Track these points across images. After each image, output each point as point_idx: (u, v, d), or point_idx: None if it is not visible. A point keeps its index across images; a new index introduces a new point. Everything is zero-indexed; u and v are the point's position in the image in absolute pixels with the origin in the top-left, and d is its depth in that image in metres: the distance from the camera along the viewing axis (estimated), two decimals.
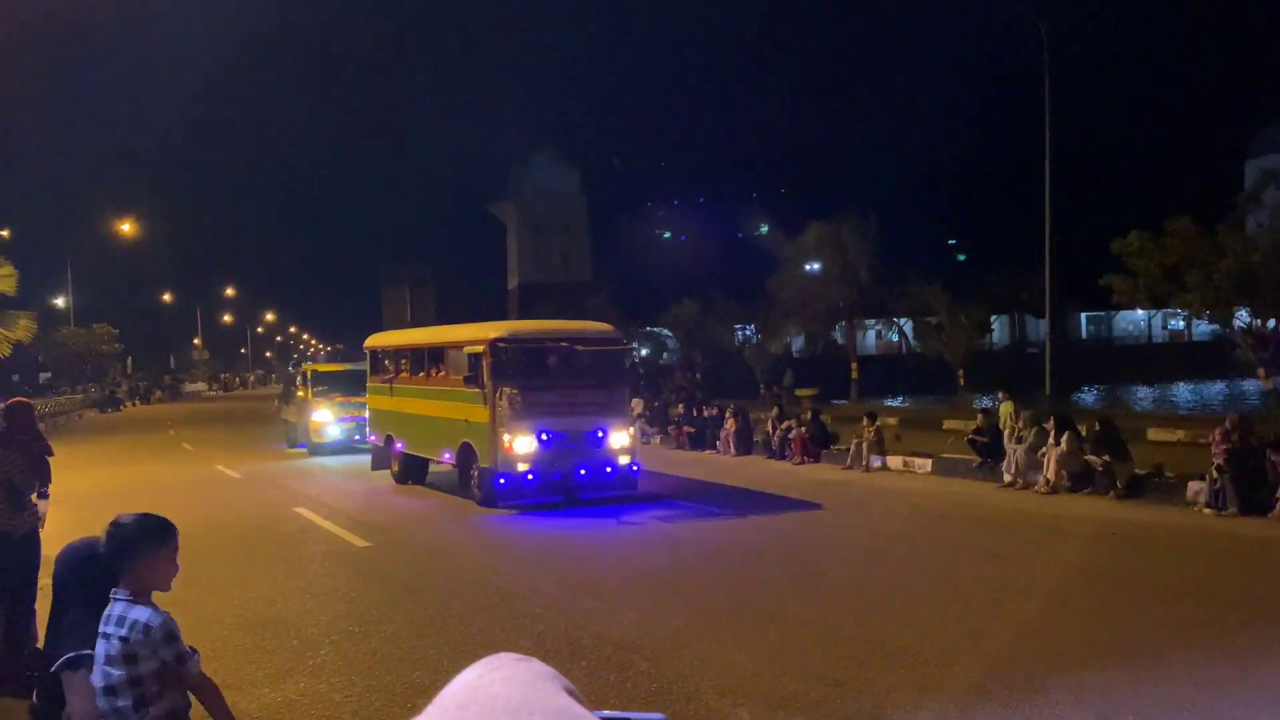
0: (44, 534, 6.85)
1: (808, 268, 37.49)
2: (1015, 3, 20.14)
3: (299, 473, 18.84)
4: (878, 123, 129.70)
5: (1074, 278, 30.06)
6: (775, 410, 20.21)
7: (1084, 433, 13.93)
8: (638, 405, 23.90)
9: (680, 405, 23.87)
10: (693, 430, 21.30)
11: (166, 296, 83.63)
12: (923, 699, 5.77)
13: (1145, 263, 21.89)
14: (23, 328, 21.81)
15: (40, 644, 5.76)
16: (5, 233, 34.63)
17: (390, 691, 6.12)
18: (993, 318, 38.23)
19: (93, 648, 3.17)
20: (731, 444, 19.81)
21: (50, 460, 7.63)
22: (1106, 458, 13.19)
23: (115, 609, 3.12)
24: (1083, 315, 69.96)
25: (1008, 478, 14.30)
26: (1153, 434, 17.51)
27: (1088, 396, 38.42)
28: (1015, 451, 14.34)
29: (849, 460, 16.89)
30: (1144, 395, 43.92)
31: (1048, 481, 13.65)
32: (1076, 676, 6.03)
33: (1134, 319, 69.62)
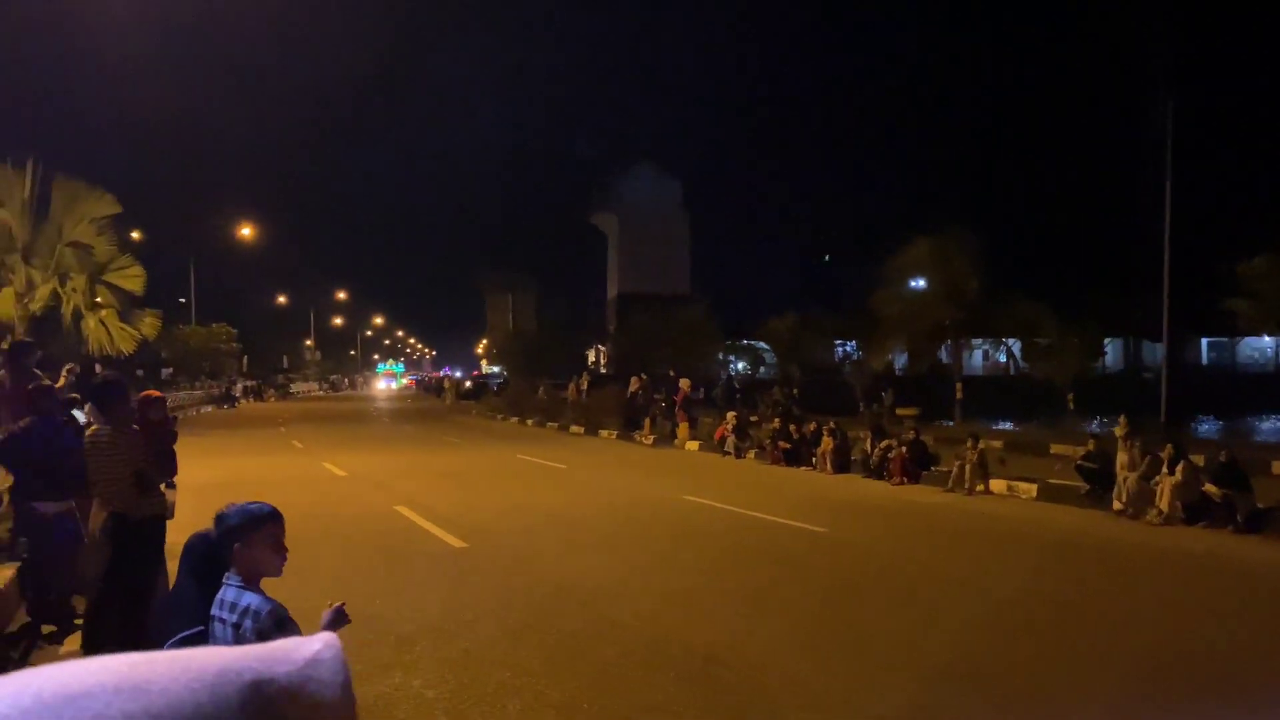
0: (171, 524, 7.14)
1: (912, 284, 36.75)
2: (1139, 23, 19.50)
3: (400, 472, 19.33)
4: (988, 138, 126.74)
5: (1194, 301, 28.78)
6: (871, 428, 19.87)
7: (1200, 463, 13.34)
8: (731, 419, 23.85)
9: (776, 420, 23.67)
10: (788, 446, 21.09)
11: (282, 298, 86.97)
12: None
13: (1272, 286, 20.82)
14: (148, 325, 22.83)
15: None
16: (137, 234, 36.36)
17: (481, 691, 6.23)
18: (1105, 340, 36.84)
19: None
20: (829, 462, 19.56)
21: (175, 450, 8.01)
22: (1227, 490, 12.60)
23: (228, 594, 3.23)
24: (1204, 341, 66.99)
25: (1117, 505, 13.79)
26: (1277, 467, 16.66)
27: (1206, 426, 36.70)
28: (1127, 479, 13.81)
29: (950, 483, 16.48)
30: (1270, 426, 41.74)
31: (1160, 512, 13.10)
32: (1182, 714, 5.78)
33: (1259, 345, 66.39)
